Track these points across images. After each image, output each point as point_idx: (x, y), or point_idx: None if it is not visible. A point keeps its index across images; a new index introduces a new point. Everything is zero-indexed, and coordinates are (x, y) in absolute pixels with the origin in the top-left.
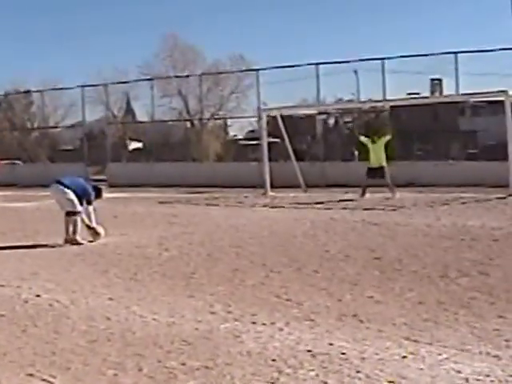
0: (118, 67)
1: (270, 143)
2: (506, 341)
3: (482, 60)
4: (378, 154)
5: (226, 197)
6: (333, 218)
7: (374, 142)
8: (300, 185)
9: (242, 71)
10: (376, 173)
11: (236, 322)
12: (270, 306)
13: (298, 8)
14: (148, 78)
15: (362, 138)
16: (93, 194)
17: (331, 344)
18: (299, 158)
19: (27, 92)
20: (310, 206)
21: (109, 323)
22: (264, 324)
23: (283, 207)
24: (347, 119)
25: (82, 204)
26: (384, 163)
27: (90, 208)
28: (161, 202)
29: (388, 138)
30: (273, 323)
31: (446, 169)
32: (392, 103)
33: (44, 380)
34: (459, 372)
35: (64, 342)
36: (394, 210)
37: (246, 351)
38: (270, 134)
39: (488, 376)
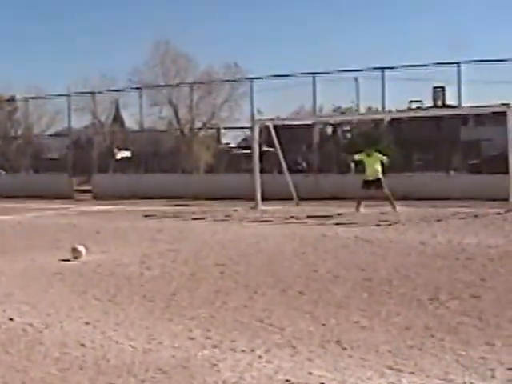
0: (107, 74)
1: (263, 153)
2: (491, 370)
3: (485, 69)
4: (373, 167)
5: (214, 210)
6: (324, 235)
7: (369, 155)
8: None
9: (235, 80)
10: (371, 185)
11: (214, 349)
12: (250, 331)
13: (295, 16)
14: (137, 86)
15: (356, 157)
16: None
17: (310, 373)
18: (294, 170)
19: (11, 99)
20: (301, 221)
21: (83, 350)
22: (243, 351)
23: (273, 222)
24: (346, 128)
25: None
26: (380, 175)
27: None
28: (147, 216)
29: (384, 158)
30: (252, 350)
31: (445, 181)
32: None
33: None
34: None
35: (35, 370)
36: (389, 225)
37: (221, 381)
38: (264, 143)
39: None
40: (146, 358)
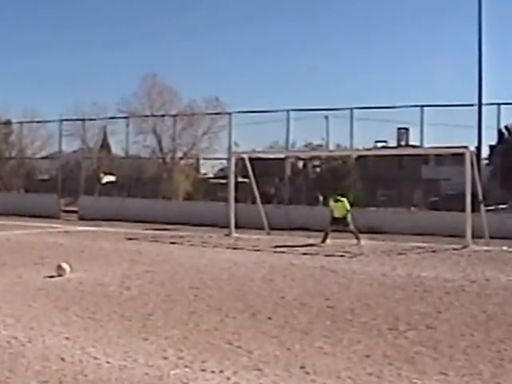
0: (97, 103)
1: (239, 183)
2: None
3: (446, 113)
4: (340, 210)
5: (191, 236)
6: (292, 263)
7: (336, 201)
8: (264, 227)
9: (215, 114)
10: (340, 222)
11: (186, 369)
12: (220, 353)
13: (277, 59)
14: (124, 115)
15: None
16: None
17: None
18: (266, 201)
19: (8, 122)
20: (271, 250)
21: (62, 364)
22: (213, 372)
23: (245, 249)
24: (315, 163)
25: None
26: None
27: None
28: (128, 238)
29: (348, 207)
30: (221, 371)
31: (406, 217)
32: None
33: None
34: None
35: (17, 381)
36: (353, 257)
37: None
38: (239, 174)
39: None
40: (122, 374)
